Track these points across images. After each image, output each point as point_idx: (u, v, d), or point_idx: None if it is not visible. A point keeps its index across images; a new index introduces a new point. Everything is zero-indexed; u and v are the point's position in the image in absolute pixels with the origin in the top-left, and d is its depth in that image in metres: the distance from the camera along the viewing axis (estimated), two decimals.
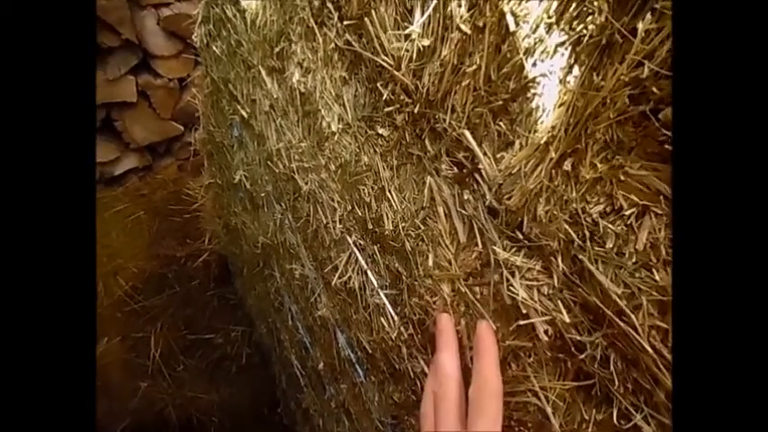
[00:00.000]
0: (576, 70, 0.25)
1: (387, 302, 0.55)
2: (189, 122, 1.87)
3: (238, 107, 0.91)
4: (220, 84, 1.02)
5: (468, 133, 0.34)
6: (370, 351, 0.64)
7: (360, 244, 0.58)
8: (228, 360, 1.72)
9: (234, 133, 1.04)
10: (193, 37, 1.06)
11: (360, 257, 0.58)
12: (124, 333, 1.72)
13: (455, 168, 0.37)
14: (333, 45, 0.51)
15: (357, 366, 0.73)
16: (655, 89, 0.21)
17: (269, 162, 0.83)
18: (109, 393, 1.57)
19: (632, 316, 0.25)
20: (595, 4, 0.23)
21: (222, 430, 1.58)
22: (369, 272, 0.57)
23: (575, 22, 0.24)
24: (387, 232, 0.49)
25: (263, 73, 0.73)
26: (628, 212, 0.24)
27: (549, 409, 0.34)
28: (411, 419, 0.59)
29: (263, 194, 0.95)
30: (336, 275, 0.62)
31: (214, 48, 0.97)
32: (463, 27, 0.31)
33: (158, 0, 1.52)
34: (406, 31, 0.36)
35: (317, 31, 0.54)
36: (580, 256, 0.27)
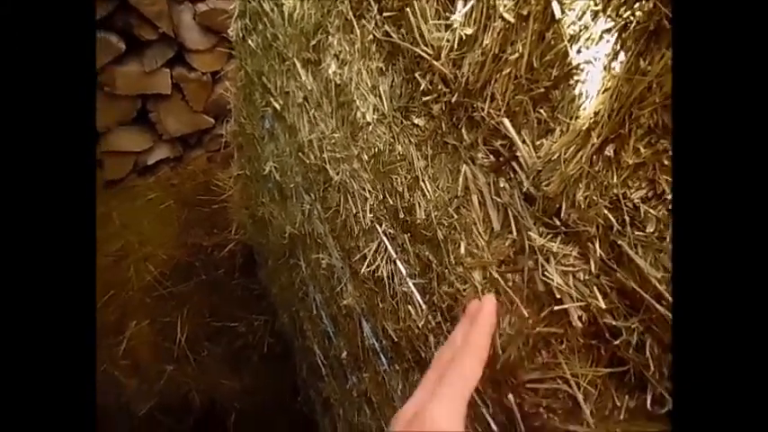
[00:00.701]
0: (621, 56, 0.25)
1: (415, 291, 0.56)
2: (220, 115, 1.92)
3: (271, 99, 0.94)
4: (254, 76, 1.04)
5: (507, 121, 0.35)
6: (395, 339, 0.65)
7: (389, 233, 0.59)
8: (250, 349, 1.76)
9: (265, 125, 1.06)
10: (229, 31, 1.09)
11: (389, 246, 0.60)
12: (152, 317, 1.78)
13: (492, 157, 0.38)
14: (371, 37, 0.52)
15: (381, 355, 0.74)
16: None
17: (300, 153, 0.85)
18: (138, 374, 1.63)
19: (670, 299, 0.25)
20: None
21: (243, 416, 1.62)
22: (398, 261, 0.58)
23: (621, 9, 0.24)
24: (418, 221, 0.50)
25: (299, 65, 0.75)
26: (670, 197, 0.25)
27: (580, 396, 0.35)
28: None
29: (292, 185, 0.97)
30: (365, 264, 0.64)
31: (249, 41, 1.00)
32: (507, 16, 0.31)
33: None
34: (449, 21, 0.36)
35: (355, 23, 0.55)
36: (619, 242, 0.28)
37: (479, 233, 0.41)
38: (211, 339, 1.78)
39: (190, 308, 1.84)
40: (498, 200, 0.38)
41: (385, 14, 0.48)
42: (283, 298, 1.42)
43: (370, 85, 0.55)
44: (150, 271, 1.88)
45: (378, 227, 0.61)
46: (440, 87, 0.42)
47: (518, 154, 0.34)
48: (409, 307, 0.58)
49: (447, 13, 0.38)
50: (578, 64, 0.28)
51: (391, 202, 0.56)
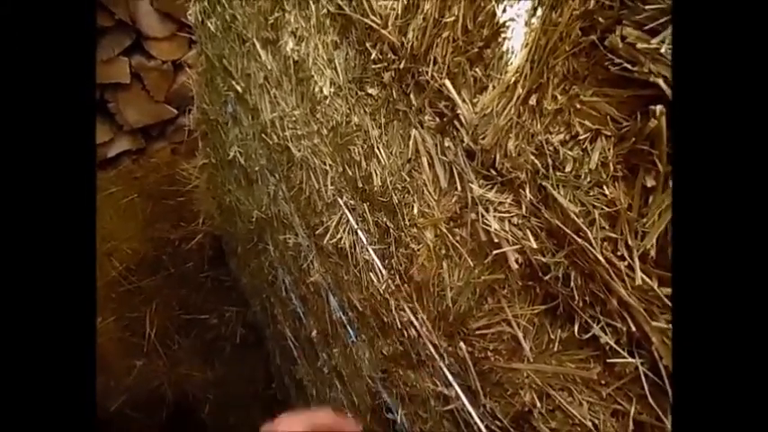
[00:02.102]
0: (539, 11, 0.28)
1: (375, 257, 0.58)
2: (183, 105, 1.88)
3: (233, 82, 0.94)
4: (215, 60, 1.03)
5: (448, 83, 0.37)
6: (360, 309, 0.68)
7: (350, 204, 0.61)
8: (223, 340, 1.75)
9: (228, 110, 1.06)
10: (188, 14, 1.08)
11: (350, 217, 0.62)
12: (119, 313, 1.74)
13: (437, 118, 0.41)
14: (325, 11, 0.54)
15: (348, 327, 0.76)
16: (600, 18, 0.24)
17: (263, 134, 0.85)
18: (105, 371, 1.59)
19: (588, 231, 0.29)
20: None
21: (217, 407, 1.62)
22: (359, 231, 0.60)
23: None
24: (375, 188, 0.52)
25: (258, 45, 0.76)
26: (583, 137, 0.28)
27: (520, 335, 0.38)
28: (399, 371, 0.63)
29: (257, 168, 0.98)
30: (327, 236, 0.66)
31: (209, 24, 0.99)
32: None
33: None
34: None
35: None
36: (544, 184, 0.31)
37: (430, 193, 0.44)
38: (182, 332, 1.76)
39: (158, 302, 1.81)
40: (444, 159, 0.40)
41: None
42: (254, 285, 1.42)
43: (326, 59, 0.56)
44: (115, 266, 1.83)
45: (339, 199, 0.63)
46: (389, 56, 0.44)
47: (459, 112, 0.36)
48: (371, 274, 0.60)
49: None
50: (504, 22, 0.30)
51: (350, 173, 0.58)
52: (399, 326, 0.58)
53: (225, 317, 1.81)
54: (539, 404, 0.38)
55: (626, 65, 0.23)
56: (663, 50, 0.21)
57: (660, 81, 0.22)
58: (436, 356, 0.51)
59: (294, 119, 0.70)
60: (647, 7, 0.22)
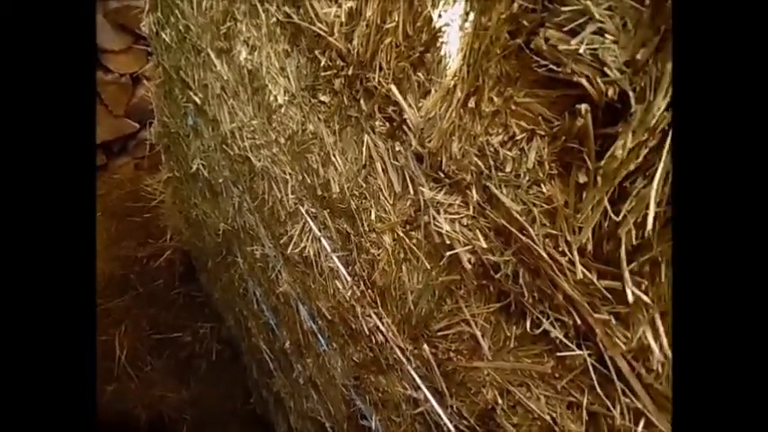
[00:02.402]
0: (471, 16, 0.28)
1: (339, 265, 0.58)
2: (144, 119, 1.83)
3: (191, 94, 0.92)
4: (172, 72, 1.01)
5: (394, 88, 0.37)
6: (329, 317, 0.67)
7: (312, 212, 0.61)
8: (198, 357, 1.71)
9: (188, 122, 1.04)
10: (142, 26, 1.05)
11: (312, 225, 0.61)
12: None
13: (387, 123, 0.41)
14: (274, 19, 0.53)
15: (319, 336, 0.75)
16: (525, 22, 0.24)
17: (224, 145, 0.84)
18: None
19: (530, 229, 0.29)
20: None
21: (194, 427, 1.57)
22: (322, 238, 0.60)
23: None
24: (334, 195, 0.52)
25: (213, 55, 0.75)
26: (520, 137, 0.28)
27: (478, 334, 0.38)
28: (370, 377, 0.63)
29: (220, 180, 0.96)
30: (291, 245, 0.65)
31: (164, 36, 0.97)
32: None
33: None
34: None
35: (259, 7, 0.56)
36: (488, 184, 0.31)
37: (385, 197, 0.44)
38: (153, 353, 1.70)
39: (128, 323, 1.75)
40: (396, 163, 0.41)
41: None
42: (226, 299, 1.39)
43: (278, 68, 0.56)
44: None
45: (301, 207, 0.63)
46: (338, 62, 0.44)
47: (406, 117, 0.37)
48: (337, 282, 0.60)
49: None
50: (440, 27, 0.31)
51: (309, 181, 0.57)
52: (367, 332, 0.58)
53: (199, 333, 1.76)
54: (500, 401, 0.39)
55: (551, 66, 0.24)
56: (582, 51, 0.22)
57: (583, 80, 0.23)
58: (403, 360, 0.51)
59: (252, 128, 0.69)
60: (564, 9, 0.22)
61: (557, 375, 0.33)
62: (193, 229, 1.42)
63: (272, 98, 0.59)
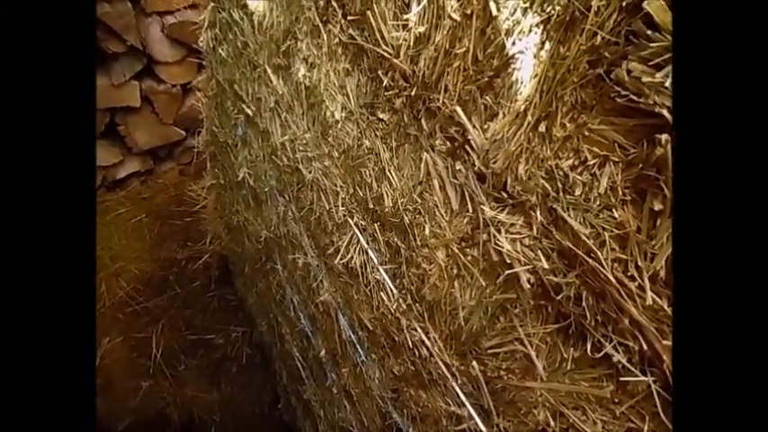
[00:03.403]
0: (547, 45, 0.29)
1: (386, 277, 0.59)
2: (191, 127, 1.92)
3: (243, 106, 0.96)
4: (225, 85, 1.07)
5: (459, 109, 0.39)
6: (371, 328, 0.68)
7: (361, 225, 0.62)
8: (229, 360, 1.75)
9: (238, 132, 1.08)
10: (200, 41, 1.12)
11: (361, 237, 0.63)
12: (126, 333, 1.74)
13: (448, 143, 0.42)
14: (337, 40, 0.56)
15: (358, 347, 0.76)
16: (607, 54, 0.25)
17: (273, 156, 0.87)
18: (110, 392, 1.59)
19: (598, 252, 0.30)
20: None
21: (223, 428, 1.60)
22: (369, 250, 0.61)
23: (545, 4, 0.29)
24: (387, 209, 0.54)
25: (269, 71, 0.78)
26: (591, 162, 0.29)
27: (533, 354, 0.39)
28: (410, 390, 0.63)
29: (266, 189, 0.99)
30: (338, 257, 0.67)
31: (220, 51, 1.02)
32: (453, 15, 0.36)
33: (164, 8, 1.57)
34: (405, 21, 0.40)
35: (321, 28, 0.59)
36: (555, 206, 0.32)
37: (441, 214, 0.45)
38: (188, 353, 1.75)
39: (165, 322, 1.81)
40: (455, 181, 0.42)
41: (349, 18, 0.52)
42: (261, 305, 1.43)
43: (337, 86, 0.58)
44: (123, 287, 1.84)
45: (350, 220, 0.64)
46: (400, 83, 0.46)
47: (469, 137, 0.38)
48: (382, 294, 0.61)
49: (404, 16, 0.42)
50: (513, 54, 0.32)
51: (361, 194, 0.59)
52: (411, 345, 0.58)
53: (231, 337, 1.80)
54: (552, 423, 0.39)
55: (632, 96, 0.25)
56: (666, 84, 0.23)
57: (665, 111, 0.24)
58: (448, 376, 0.51)
59: (305, 141, 0.72)
60: (651, 44, 0.23)
61: (616, 400, 0.33)
62: (233, 235, 1.47)
63: (328, 114, 0.61)
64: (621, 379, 0.32)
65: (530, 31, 0.31)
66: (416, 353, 0.58)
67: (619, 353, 0.32)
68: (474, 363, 0.46)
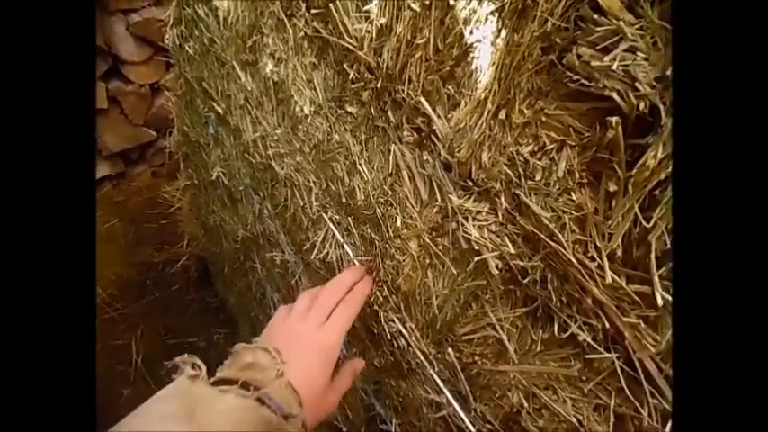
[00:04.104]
0: (503, 33, 0.30)
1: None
2: (162, 128, 1.88)
3: (213, 104, 0.94)
4: (194, 83, 1.04)
5: (423, 100, 0.39)
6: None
7: (335, 219, 0.62)
8: (212, 362, 1.73)
9: (209, 131, 1.06)
10: (165, 39, 1.09)
11: (336, 232, 0.63)
12: (103, 341, 1.70)
13: (414, 134, 0.42)
14: (302, 34, 0.56)
15: None
16: (558, 39, 0.26)
17: (246, 154, 0.86)
18: None
19: (560, 235, 0.30)
20: None
21: None
22: (345, 244, 0.61)
23: None
24: (359, 203, 0.54)
25: (237, 67, 0.77)
26: (549, 147, 0.30)
27: (504, 338, 0.39)
28: (391, 381, 0.64)
29: (241, 188, 0.98)
30: (314, 252, 0.66)
31: (187, 48, 1.00)
32: (413, 6, 0.36)
33: (127, 5, 1.53)
34: (366, 13, 0.40)
35: (287, 22, 0.58)
36: (517, 192, 0.32)
37: (412, 205, 0.45)
38: (169, 358, 1.72)
39: (144, 328, 1.78)
40: (423, 172, 0.42)
41: (313, 11, 0.51)
42: (241, 305, 1.41)
43: (305, 80, 0.58)
44: (98, 293, 1.80)
45: (324, 215, 0.64)
46: (366, 75, 0.46)
47: (435, 127, 0.38)
48: None
49: (366, 7, 0.42)
50: (472, 43, 0.32)
51: (334, 189, 0.59)
52: (389, 336, 0.59)
53: (213, 339, 1.78)
54: (526, 404, 0.40)
55: (583, 81, 0.25)
56: (614, 67, 0.24)
57: (614, 95, 0.24)
58: (426, 364, 0.52)
59: (276, 138, 0.71)
60: (598, 29, 0.24)
61: (583, 378, 0.34)
62: (210, 236, 1.45)
63: (297, 109, 0.61)
64: (587, 357, 0.33)
65: (486, 19, 0.31)
66: (395, 343, 0.58)
67: (584, 332, 0.33)
68: (450, 350, 0.47)
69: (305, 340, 0.46)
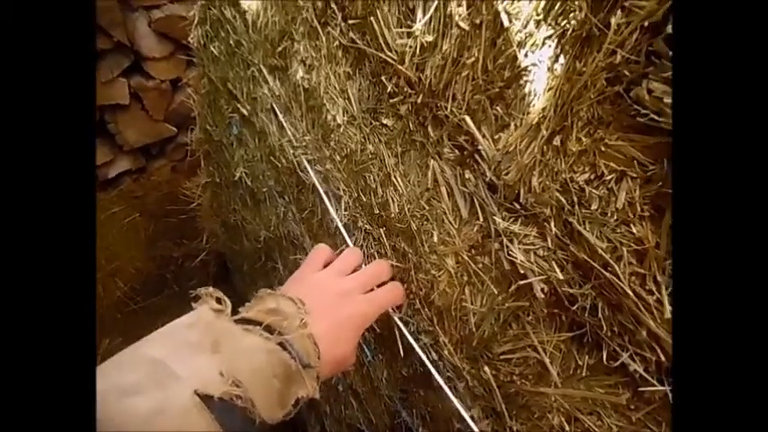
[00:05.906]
0: (561, 59, 0.29)
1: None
2: (182, 123, 1.89)
3: (238, 105, 0.95)
4: (218, 83, 1.04)
5: (468, 118, 0.38)
6: (377, 330, 0.68)
7: (366, 229, 0.62)
8: None
9: (233, 131, 1.07)
10: (190, 38, 1.09)
11: (366, 241, 0.63)
12: (125, 333, 1.73)
13: (456, 151, 0.42)
14: (337, 43, 0.55)
15: (364, 347, 0.77)
16: (626, 72, 0.25)
17: (271, 157, 0.86)
18: None
19: (615, 266, 0.30)
20: (576, 2, 0.27)
21: None
22: (375, 254, 0.61)
23: (559, 18, 0.28)
24: (393, 215, 0.53)
25: (265, 71, 0.77)
26: (608, 177, 0.29)
27: (547, 360, 0.39)
28: (420, 391, 0.64)
29: (264, 190, 0.98)
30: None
31: (212, 48, 1.00)
32: (462, 24, 0.35)
33: (150, 2, 1.53)
34: (411, 29, 0.40)
35: (320, 30, 0.58)
36: (570, 219, 0.32)
37: (450, 222, 0.45)
38: None
39: (164, 321, 1.80)
40: (465, 190, 0.41)
41: (350, 22, 0.51)
42: None
43: (338, 89, 0.57)
44: (120, 287, 1.83)
45: (353, 224, 0.64)
46: (405, 89, 0.45)
47: (479, 147, 0.37)
48: None
49: (408, 22, 0.41)
50: (526, 66, 0.31)
51: (365, 199, 0.58)
52: (419, 349, 0.59)
53: None
54: (567, 427, 0.39)
55: (652, 115, 0.25)
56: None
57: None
58: (456, 378, 0.52)
59: (304, 144, 0.71)
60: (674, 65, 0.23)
61: (632, 407, 0.34)
62: (230, 234, 1.46)
63: (329, 117, 0.60)
64: (640, 389, 0.32)
65: (543, 44, 0.30)
66: (424, 356, 0.58)
67: (635, 361, 0.32)
68: (486, 367, 0.46)
69: (340, 303, 0.46)
